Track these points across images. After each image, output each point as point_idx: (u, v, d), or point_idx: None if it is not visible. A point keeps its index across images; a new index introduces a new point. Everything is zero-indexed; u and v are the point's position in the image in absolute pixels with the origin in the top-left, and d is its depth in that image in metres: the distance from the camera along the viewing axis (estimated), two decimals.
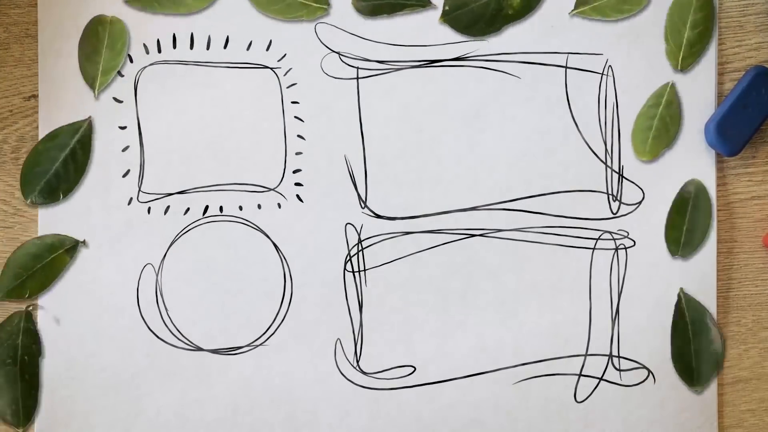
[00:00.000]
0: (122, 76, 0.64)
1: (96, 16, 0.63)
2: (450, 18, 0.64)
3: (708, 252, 0.65)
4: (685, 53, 0.64)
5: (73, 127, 0.63)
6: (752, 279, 0.66)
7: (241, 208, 0.64)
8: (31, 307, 0.63)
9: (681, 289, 0.65)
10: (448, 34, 0.64)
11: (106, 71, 0.63)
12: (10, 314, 0.63)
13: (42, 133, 0.63)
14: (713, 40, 0.65)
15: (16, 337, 0.63)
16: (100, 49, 0.63)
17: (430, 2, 0.64)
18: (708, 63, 0.65)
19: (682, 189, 0.65)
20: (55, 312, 0.63)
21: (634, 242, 0.65)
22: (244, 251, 0.64)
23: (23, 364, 0.63)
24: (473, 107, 0.64)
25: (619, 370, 0.65)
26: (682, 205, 0.65)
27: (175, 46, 0.64)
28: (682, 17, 0.64)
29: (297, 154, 0.64)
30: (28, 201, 0.63)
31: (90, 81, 0.63)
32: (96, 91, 0.63)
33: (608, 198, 0.65)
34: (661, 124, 0.64)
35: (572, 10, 0.64)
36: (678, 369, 0.65)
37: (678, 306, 0.65)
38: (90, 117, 0.63)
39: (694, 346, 0.65)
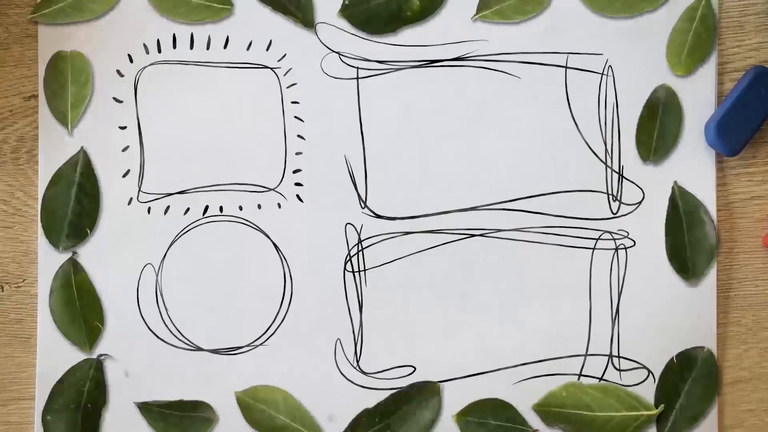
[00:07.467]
0: (122, 76, 0.64)
1: (56, 52, 0.63)
2: (348, 13, 0.64)
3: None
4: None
5: (71, 163, 0.63)
6: (752, 279, 0.66)
7: (241, 208, 0.64)
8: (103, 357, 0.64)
9: (675, 182, 0.64)
10: (448, 34, 0.64)
11: (75, 105, 0.63)
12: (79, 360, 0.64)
13: (42, 134, 0.63)
14: (714, 46, 0.64)
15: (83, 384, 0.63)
16: (66, 84, 0.63)
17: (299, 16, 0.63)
18: (709, 65, 0.65)
19: (651, 94, 0.64)
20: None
21: (634, 242, 0.65)
22: (244, 251, 0.64)
23: (86, 411, 0.64)
24: (473, 107, 0.64)
25: (619, 370, 0.65)
26: (653, 110, 0.64)
27: (175, 46, 0.64)
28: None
29: (297, 154, 0.64)
30: (60, 249, 0.63)
31: (61, 118, 0.63)
32: (69, 127, 0.63)
33: (608, 198, 0.65)
34: (695, 40, 0.64)
35: (474, 15, 0.64)
36: (674, 266, 0.64)
37: (672, 200, 0.64)
38: (82, 147, 0.63)
39: (689, 238, 0.64)
